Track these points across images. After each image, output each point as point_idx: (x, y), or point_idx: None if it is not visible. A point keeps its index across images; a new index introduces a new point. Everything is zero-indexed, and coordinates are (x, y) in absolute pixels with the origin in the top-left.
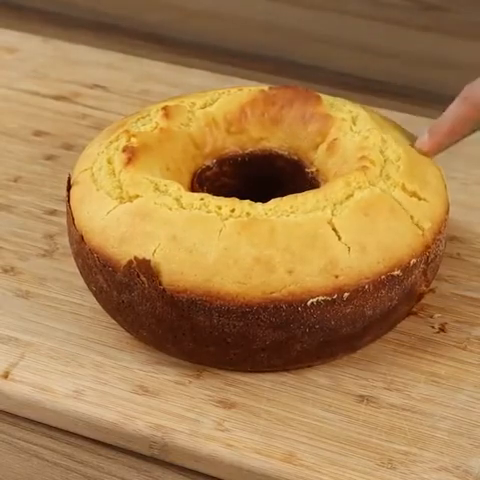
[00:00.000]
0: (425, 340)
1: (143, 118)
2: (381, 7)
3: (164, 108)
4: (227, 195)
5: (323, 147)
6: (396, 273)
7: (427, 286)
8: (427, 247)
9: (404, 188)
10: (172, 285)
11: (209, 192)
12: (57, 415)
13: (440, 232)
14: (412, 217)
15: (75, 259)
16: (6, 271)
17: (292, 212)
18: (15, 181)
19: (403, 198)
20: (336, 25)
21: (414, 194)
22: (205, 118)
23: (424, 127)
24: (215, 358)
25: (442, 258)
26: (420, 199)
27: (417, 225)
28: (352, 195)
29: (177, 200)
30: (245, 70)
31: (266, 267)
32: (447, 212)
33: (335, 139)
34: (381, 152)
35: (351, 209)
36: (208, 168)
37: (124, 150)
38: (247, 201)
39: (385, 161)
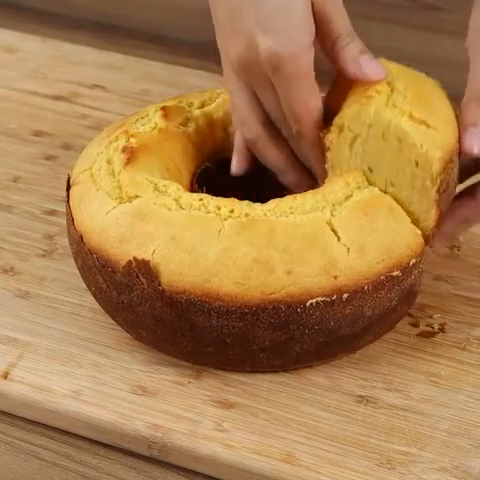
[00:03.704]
0: (424, 340)
1: (142, 118)
2: (380, 7)
3: (163, 108)
4: (226, 195)
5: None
6: (395, 273)
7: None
8: (441, 179)
9: (412, 116)
10: (171, 285)
11: (208, 192)
12: (56, 415)
13: (451, 160)
14: (421, 145)
15: (74, 259)
16: (6, 271)
17: (291, 213)
18: (15, 181)
19: (411, 126)
20: None
21: (423, 122)
22: (204, 118)
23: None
24: (214, 358)
25: (455, 189)
26: (429, 127)
27: (427, 154)
28: (351, 195)
29: (176, 200)
30: None
31: (265, 268)
32: (457, 141)
33: None
34: (388, 83)
35: (350, 209)
36: (207, 168)
37: (123, 150)
38: (246, 202)
39: (392, 91)
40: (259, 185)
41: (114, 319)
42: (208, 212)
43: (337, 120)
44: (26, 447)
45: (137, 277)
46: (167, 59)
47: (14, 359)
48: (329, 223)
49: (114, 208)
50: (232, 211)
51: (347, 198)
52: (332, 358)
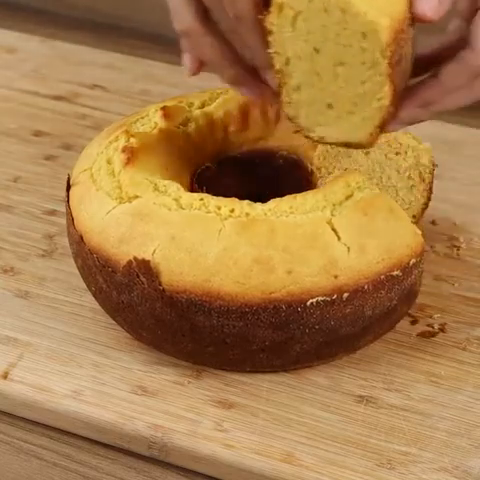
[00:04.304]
0: (424, 340)
1: (142, 118)
2: None
3: (163, 108)
4: (226, 195)
5: None
6: (395, 273)
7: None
8: (391, 50)
9: None
10: (171, 285)
11: (208, 192)
12: (56, 415)
13: (402, 30)
14: (366, 13)
15: (75, 259)
16: (5, 271)
17: (291, 212)
18: (15, 181)
19: None
20: None
21: None
22: (204, 118)
23: None
24: (214, 358)
25: (411, 67)
26: None
27: (372, 22)
28: (351, 195)
29: (176, 200)
30: None
31: (265, 267)
32: (410, 10)
33: None
34: None
35: (350, 209)
36: (207, 168)
37: (123, 150)
38: (246, 201)
39: None
40: (258, 185)
41: (114, 319)
42: (208, 212)
43: None
44: (26, 447)
45: (137, 277)
46: (167, 59)
47: (14, 359)
48: (329, 223)
49: (114, 208)
50: (232, 211)
51: (347, 198)
52: (332, 358)
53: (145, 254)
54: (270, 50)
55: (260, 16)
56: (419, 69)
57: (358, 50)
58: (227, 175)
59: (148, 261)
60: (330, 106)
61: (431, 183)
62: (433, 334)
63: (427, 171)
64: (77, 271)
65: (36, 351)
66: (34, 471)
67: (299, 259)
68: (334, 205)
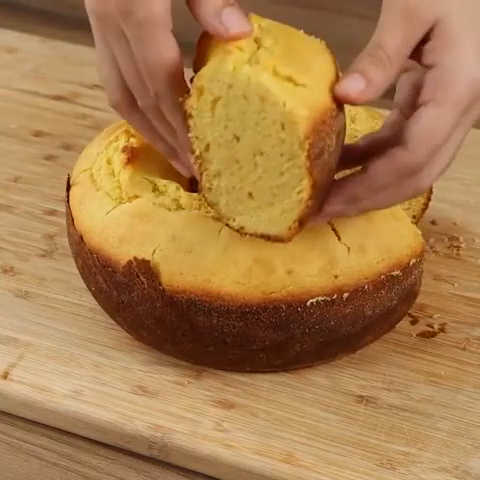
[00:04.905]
0: (424, 340)
1: None
2: (379, 6)
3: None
4: None
5: None
6: (396, 273)
7: (314, 182)
8: (310, 143)
9: (276, 72)
10: (171, 285)
11: None
12: (56, 415)
13: (324, 122)
14: (284, 104)
15: (75, 259)
16: (6, 271)
17: None
18: (15, 181)
19: (273, 83)
20: (336, 25)
21: (289, 79)
22: None
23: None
24: (214, 358)
25: (336, 161)
26: (297, 85)
27: (291, 113)
28: None
29: (176, 200)
30: None
31: (265, 267)
32: (337, 104)
33: None
34: (255, 39)
35: None
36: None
37: (123, 150)
38: None
39: (259, 48)
40: None
41: (114, 319)
42: (208, 212)
43: (196, 82)
44: (26, 447)
45: (137, 277)
46: None
47: (14, 359)
48: (329, 223)
49: (114, 208)
50: None
51: None
52: (332, 358)
53: (145, 254)
54: (190, 134)
55: (180, 98)
56: (352, 161)
57: (277, 140)
58: None
59: (148, 261)
60: (251, 195)
61: None
62: (433, 334)
63: None
64: (77, 271)
65: (36, 351)
66: (34, 471)
67: (299, 259)
68: None
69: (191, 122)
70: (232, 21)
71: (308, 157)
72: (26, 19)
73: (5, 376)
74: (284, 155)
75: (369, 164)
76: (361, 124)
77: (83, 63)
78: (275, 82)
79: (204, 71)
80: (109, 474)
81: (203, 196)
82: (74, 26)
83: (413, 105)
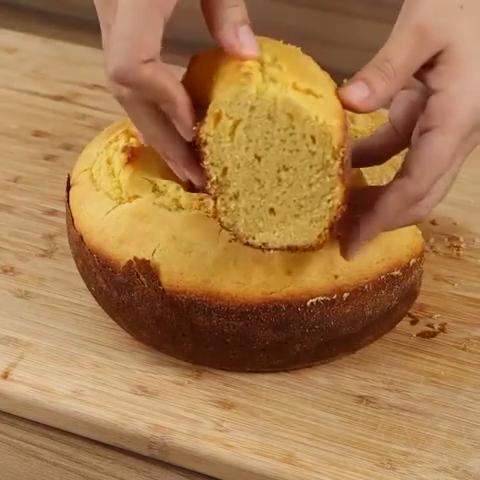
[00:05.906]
0: (424, 340)
1: None
2: (381, 7)
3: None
4: None
5: None
6: (396, 273)
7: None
8: (343, 151)
9: (296, 87)
10: (171, 285)
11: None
12: (56, 415)
13: (347, 127)
14: (317, 117)
15: (75, 259)
16: (6, 271)
17: None
18: (15, 181)
19: (301, 98)
20: (336, 25)
21: (309, 92)
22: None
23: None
24: (214, 358)
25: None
26: (317, 96)
27: (324, 125)
28: None
29: (176, 200)
30: None
31: (266, 267)
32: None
33: None
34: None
35: None
36: None
37: (123, 150)
38: None
39: (262, 64)
40: None
41: (114, 319)
42: (208, 212)
43: (212, 109)
44: (26, 447)
45: (137, 277)
46: (167, 59)
47: (14, 359)
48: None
49: (114, 208)
50: None
51: None
52: (332, 358)
53: (145, 254)
54: (205, 162)
55: (194, 127)
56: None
57: (306, 154)
58: None
59: (148, 261)
60: (272, 211)
61: None
62: (433, 334)
63: None
64: (77, 271)
65: (36, 351)
66: (34, 471)
67: (299, 259)
68: None
69: (207, 149)
70: (247, 41)
71: (341, 165)
72: (26, 19)
73: (5, 376)
74: (314, 167)
75: (377, 203)
76: (361, 124)
77: (83, 63)
78: (301, 97)
79: (222, 97)
80: (109, 474)
81: (218, 220)
82: (74, 26)
83: (409, 124)
